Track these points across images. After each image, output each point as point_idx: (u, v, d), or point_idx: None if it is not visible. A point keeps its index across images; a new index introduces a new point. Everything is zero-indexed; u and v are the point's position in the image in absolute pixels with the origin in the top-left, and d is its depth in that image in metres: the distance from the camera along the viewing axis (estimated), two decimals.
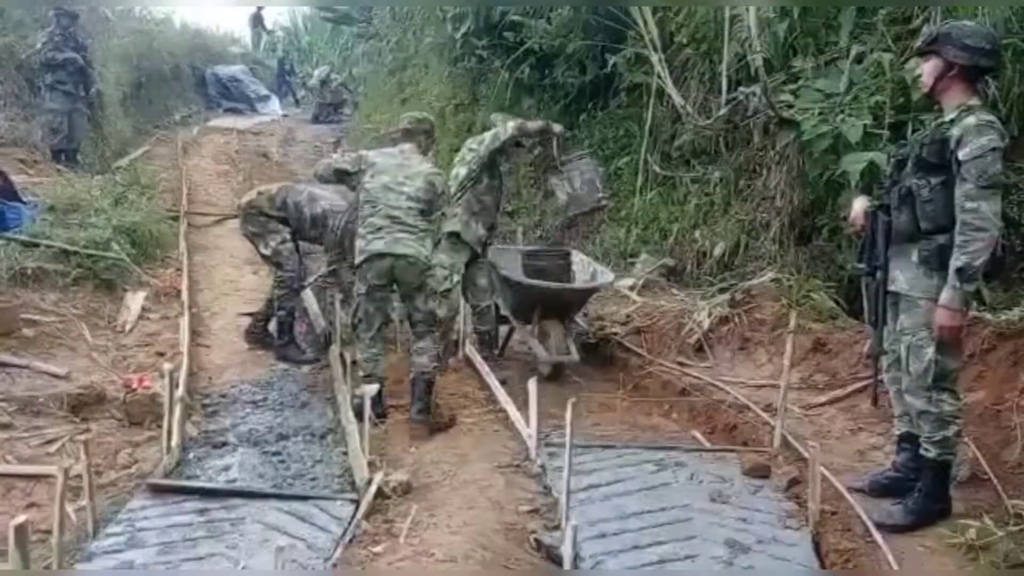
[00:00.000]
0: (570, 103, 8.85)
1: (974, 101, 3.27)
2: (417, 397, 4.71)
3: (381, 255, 4.75)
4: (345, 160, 5.12)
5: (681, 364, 5.70)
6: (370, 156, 5.02)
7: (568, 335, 5.75)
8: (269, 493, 3.80)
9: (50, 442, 4.24)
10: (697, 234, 6.99)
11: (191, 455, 4.32)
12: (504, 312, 6.09)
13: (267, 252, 5.95)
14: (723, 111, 6.63)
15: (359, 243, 4.84)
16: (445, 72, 11.64)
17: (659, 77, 7.08)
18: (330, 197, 6.01)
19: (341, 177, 5.06)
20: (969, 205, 3.12)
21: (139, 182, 9.13)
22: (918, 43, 3.42)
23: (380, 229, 4.75)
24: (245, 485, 3.95)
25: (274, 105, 19.85)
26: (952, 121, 3.24)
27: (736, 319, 5.76)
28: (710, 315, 5.86)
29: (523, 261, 6.21)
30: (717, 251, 6.70)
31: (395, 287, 4.93)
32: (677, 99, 6.97)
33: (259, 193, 6.08)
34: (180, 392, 4.55)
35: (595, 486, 3.80)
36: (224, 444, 4.50)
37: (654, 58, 7.04)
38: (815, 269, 5.97)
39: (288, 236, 5.95)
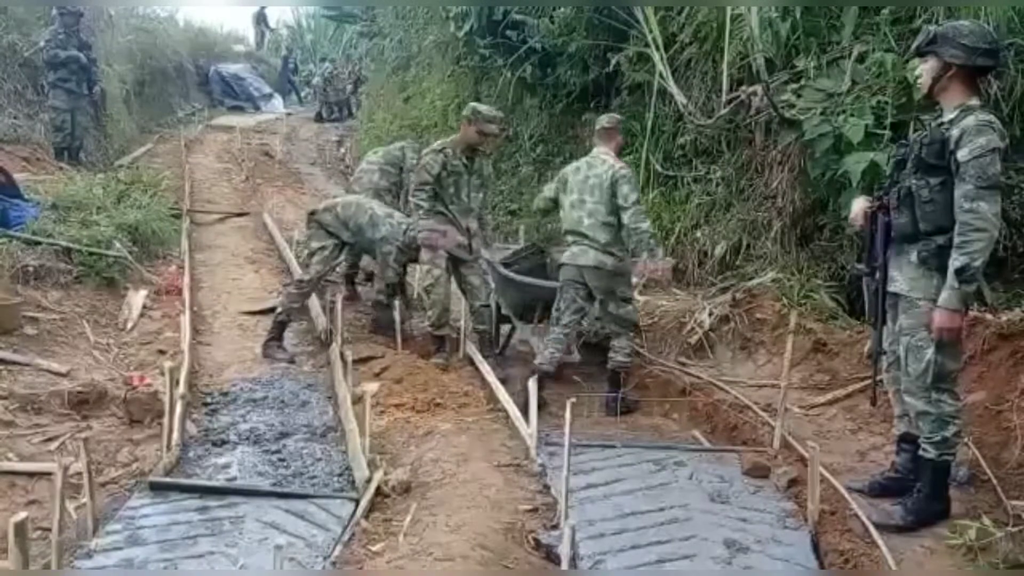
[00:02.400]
0: (572, 102, 8.84)
1: (973, 101, 3.25)
2: (610, 387, 5.31)
3: (568, 265, 5.29)
4: (548, 191, 5.56)
5: (682, 364, 5.70)
6: (565, 174, 5.41)
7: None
8: (269, 491, 3.80)
9: (51, 439, 4.26)
10: (699, 233, 6.99)
11: (191, 453, 4.32)
12: (505, 311, 6.10)
13: (306, 251, 6.19)
14: (725, 111, 6.62)
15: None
16: (448, 71, 11.65)
17: (661, 76, 7.07)
18: (388, 221, 6.05)
19: (549, 209, 5.60)
20: (968, 205, 3.11)
21: (141, 180, 9.14)
22: (915, 43, 3.41)
23: (571, 244, 5.29)
24: (245, 483, 3.95)
25: (277, 103, 19.90)
26: (951, 121, 3.23)
27: (737, 319, 5.76)
28: (711, 315, 5.86)
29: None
30: (718, 251, 6.70)
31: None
32: (679, 98, 6.97)
33: (326, 209, 6.21)
34: (181, 390, 4.56)
35: (594, 485, 3.80)
36: (224, 442, 4.50)
37: (656, 57, 7.04)
38: (816, 269, 5.96)
39: (331, 247, 6.08)
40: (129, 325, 6.07)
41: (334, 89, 18.86)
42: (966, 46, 3.21)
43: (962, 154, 3.13)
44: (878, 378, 3.76)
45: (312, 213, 6.25)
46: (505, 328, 6.25)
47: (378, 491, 3.71)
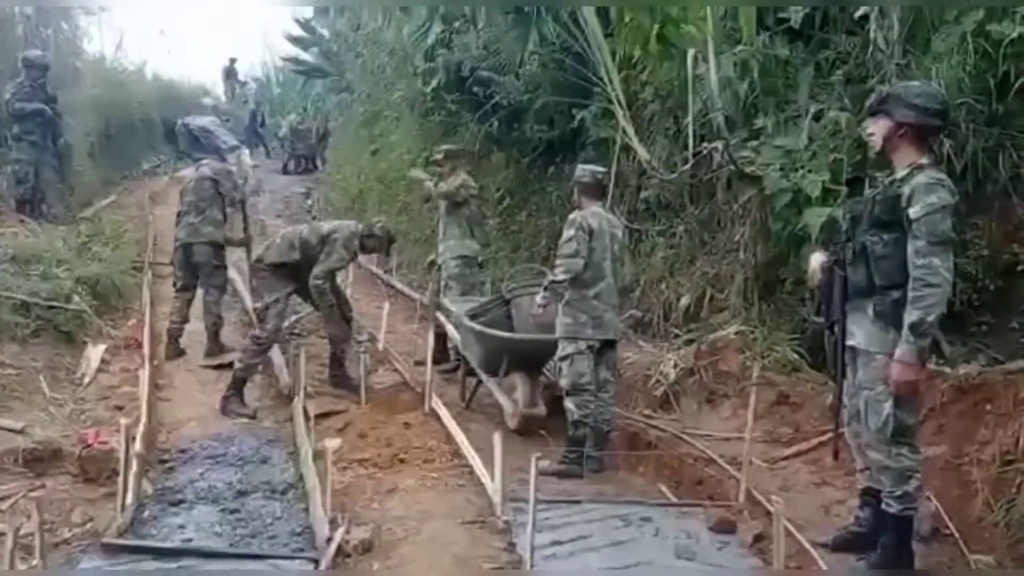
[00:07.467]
0: (538, 157, 8.96)
1: (924, 159, 3.34)
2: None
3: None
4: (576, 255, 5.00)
5: (647, 416, 5.69)
6: (591, 225, 5.06)
7: (535, 388, 5.73)
8: (225, 553, 3.71)
9: (3, 499, 4.14)
10: (663, 286, 7.05)
11: (146, 513, 4.20)
12: (471, 364, 6.07)
13: (259, 305, 6.11)
14: (687, 166, 6.74)
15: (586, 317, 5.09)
16: (416, 125, 11.76)
17: (624, 132, 7.19)
18: (331, 222, 6.36)
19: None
20: (921, 261, 3.18)
21: (103, 232, 9.05)
22: (868, 103, 3.51)
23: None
24: (201, 545, 3.85)
25: (244, 156, 19.85)
26: (903, 179, 3.31)
27: (702, 371, 5.77)
28: (676, 367, 5.87)
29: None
30: (683, 303, 6.74)
31: None
32: (642, 154, 7.08)
33: (266, 248, 6.21)
34: (137, 448, 4.46)
35: (560, 543, 3.74)
36: (181, 502, 4.39)
37: (619, 114, 7.16)
38: (779, 322, 6.00)
39: (284, 297, 6.05)
40: (87, 380, 5.96)
41: (302, 141, 18.90)
42: (917, 106, 3.31)
43: (914, 211, 3.20)
44: (839, 431, 3.78)
45: (257, 261, 6.20)
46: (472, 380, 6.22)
47: (339, 551, 3.63)
